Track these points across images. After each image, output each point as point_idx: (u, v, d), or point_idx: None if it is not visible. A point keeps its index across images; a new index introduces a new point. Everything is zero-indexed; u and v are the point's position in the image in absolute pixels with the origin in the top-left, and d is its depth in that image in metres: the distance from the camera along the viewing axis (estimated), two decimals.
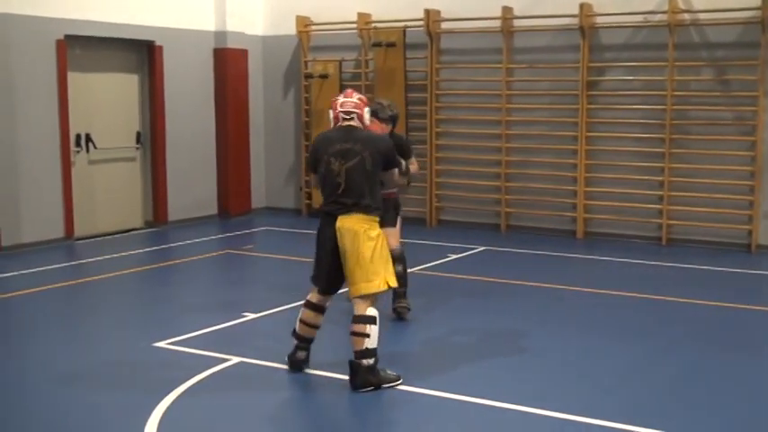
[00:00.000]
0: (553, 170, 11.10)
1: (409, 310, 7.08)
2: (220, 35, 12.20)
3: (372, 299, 5.53)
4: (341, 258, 5.53)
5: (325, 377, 5.72)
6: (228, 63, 12.20)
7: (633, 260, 9.61)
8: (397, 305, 7.02)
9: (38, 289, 8.19)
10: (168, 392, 5.36)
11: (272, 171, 13.04)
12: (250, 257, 9.98)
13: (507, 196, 11.33)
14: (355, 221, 5.49)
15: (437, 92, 11.64)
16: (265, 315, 7.22)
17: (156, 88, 11.42)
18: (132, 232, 11.30)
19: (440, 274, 8.88)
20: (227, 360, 6.01)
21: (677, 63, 10.19)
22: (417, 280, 8.01)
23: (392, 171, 5.83)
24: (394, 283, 5.62)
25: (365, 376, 5.44)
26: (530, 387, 5.61)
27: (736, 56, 10.02)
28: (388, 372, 5.56)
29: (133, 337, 6.67)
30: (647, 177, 10.55)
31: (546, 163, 11.14)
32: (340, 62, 12.10)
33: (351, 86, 11.76)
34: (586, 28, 10.51)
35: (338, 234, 5.50)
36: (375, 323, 5.48)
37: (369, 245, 5.47)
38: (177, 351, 6.29)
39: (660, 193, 10.44)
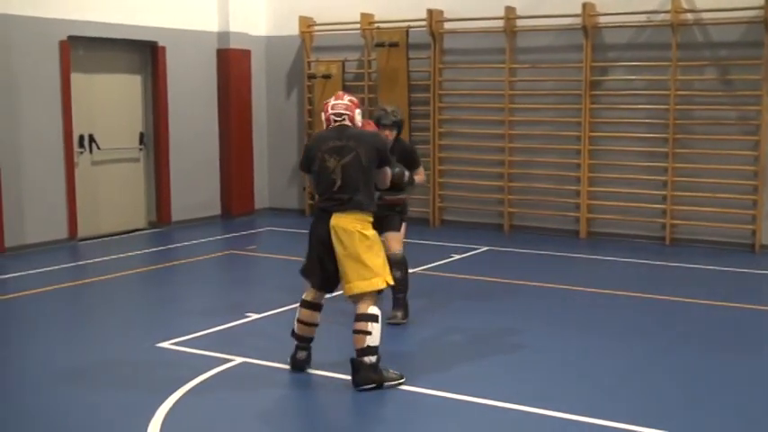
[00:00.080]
0: (556, 170, 11.09)
1: (403, 321, 6.96)
2: (223, 36, 12.21)
3: (374, 297, 5.54)
4: (335, 258, 5.54)
5: (327, 377, 5.72)
6: (231, 63, 12.21)
7: (637, 260, 9.60)
8: (390, 319, 6.82)
9: (41, 289, 8.21)
10: (171, 392, 5.37)
11: (275, 171, 13.04)
12: (253, 258, 9.99)
13: (510, 196, 11.33)
14: (350, 221, 5.50)
15: (440, 92, 11.64)
16: (268, 315, 7.23)
17: (159, 89, 11.43)
18: (135, 233, 11.32)
19: (443, 274, 8.88)
20: (229, 360, 6.01)
21: (680, 63, 10.18)
22: (420, 280, 8.02)
23: (385, 170, 5.83)
24: (390, 281, 5.63)
25: (367, 374, 5.45)
26: (532, 387, 5.61)
27: (739, 55, 10.01)
28: (391, 371, 5.56)
29: (136, 338, 6.68)
30: (650, 177, 10.53)
31: (549, 163, 11.13)
32: (343, 62, 12.11)
33: (354, 87, 11.91)
34: (589, 28, 10.50)
35: (332, 233, 5.51)
36: (377, 321, 5.49)
37: (364, 244, 5.49)
38: (180, 351, 6.30)
39: (663, 192, 10.43)
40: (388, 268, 5.63)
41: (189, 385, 5.52)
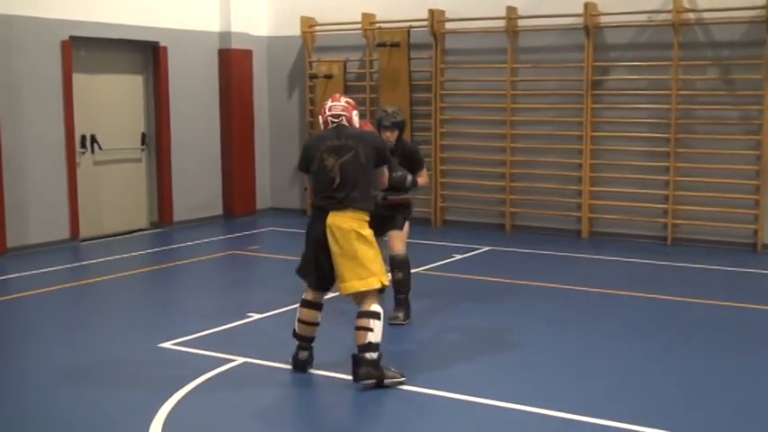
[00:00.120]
0: (558, 170, 11.09)
1: (404, 322, 6.96)
2: (225, 36, 12.21)
3: (376, 295, 5.56)
4: (331, 256, 5.55)
5: (329, 377, 5.72)
6: (233, 64, 12.21)
7: (639, 260, 9.60)
8: (391, 320, 6.83)
9: (43, 290, 8.21)
10: (173, 392, 5.37)
11: (276, 172, 13.05)
12: (255, 258, 9.99)
13: (512, 196, 11.33)
14: (346, 219, 5.51)
15: (441, 92, 11.64)
16: (270, 315, 7.23)
17: (160, 89, 11.44)
18: (137, 233, 11.33)
19: (444, 274, 8.88)
20: (231, 360, 6.02)
21: (682, 62, 10.18)
22: (422, 280, 8.01)
23: (383, 171, 5.84)
24: (385, 282, 5.63)
25: (367, 369, 5.46)
26: (534, 387, 5.61)
27: (740, 55, 10.00)
28: (392, 369, 5.57)
29: (138, 338, 6.69)
30: (652, 177, 10.53)
31: (551, 163, 11.13)
32: (344, 62, 12.11)
33: (355, 87, 11.92)
34: (591, 27, 10.50)
35: (328, 232, 5.52)
36: (379, 318, 5.52)
37: (360, 243, 5.50)
38: (182, 351, 6.31)
39: (665, 192, 10.43)
40: (383, 268, 5.64)
41: (191, 385, 5.53)
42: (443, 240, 10.64)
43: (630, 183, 10.63)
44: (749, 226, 10.07)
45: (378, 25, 11.86)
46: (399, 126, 6.88)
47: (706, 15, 10.07)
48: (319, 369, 5.81)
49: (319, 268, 5.64)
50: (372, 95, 11.94)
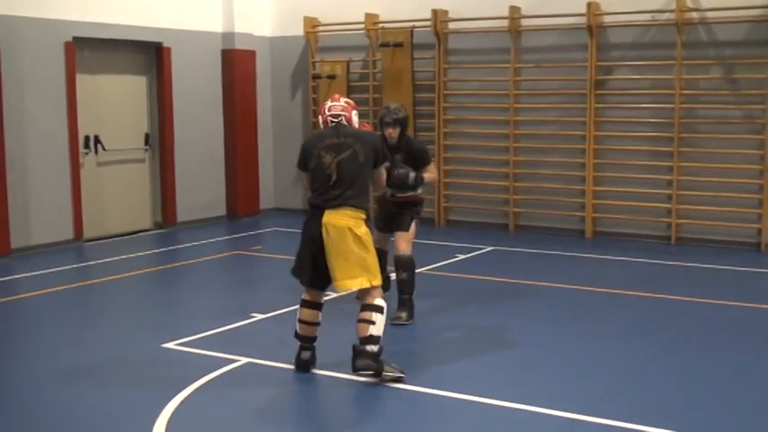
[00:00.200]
0: (561, 170, 11.08)
1: (407, 323, 6.94)
2: (228, 36, 12.22)
3: (380, 290, 5.63)
4: (325, 254, 5.56)
5: (332, 377, 5.73)
6: (236, 64, 12.22)
7: (642, 259, 9.59)
8: (394, 320, 6.82)
9: (47, 290, 8.22)
10: (177, 392, 5.38)
11: (280, 172, 13.05)
12: (258, 258, 9.99)
13: (516, 196, 11.32)
14: (341, 217, 5.54)
15: (445, 92, 11.64)
16: (273, 316, 7.23)
17: (164, 90, 11.45)
18: (141, 234, 11.34)
19: (448, 274, 8.88)
20: (235, 361, 6.02)
21: (685, 62, 10.17)
22: (425, 280, 8.01)
23: (380, 171, 5.86)
24: (378, 282, 5.64)
25: (367, 360, 5.51)
26: (538, 387, 5.61)
27: (744, 54, 9.99)
28: (393, 365, 5.59)
29: (142, 338, 6.69)
30: (655, 176, 10.52)
31: (554, 162, 11.13)
32: (347, 63, 12.11)
33: (358, 87, 11.92)
34: (594, 27, 10.49)
35: (324, 230, 5.54)
36: (382, 312, 5.57)
37: (354, 241, 5.52)
38: (186, 351, 6.31)
39: (669, 192, 10.42)
40: (376, 267, 5.66)
41: (194, 385, 5.53)
42: (447, 240, 10.63)
43: (634, 182, 10.62)
44: (753, 225, 10.06)
45: (381, 25, 11.87)
46: (401, 122, 6.88)
47: (709, 15, 10.06)
48: (322, 369, 5.81)
49: (315, 266, 5.65)
50: (375, 96, 11.94)
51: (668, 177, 10.42)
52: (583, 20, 10.53)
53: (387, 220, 7.17)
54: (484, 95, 11.57)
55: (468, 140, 11.67)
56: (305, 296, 5.82)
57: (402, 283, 6.97)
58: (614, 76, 10.71)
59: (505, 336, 6.72)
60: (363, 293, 5.61)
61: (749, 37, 9.92)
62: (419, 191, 7.07)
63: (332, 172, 5.58)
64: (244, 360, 6.04)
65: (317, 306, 5.81)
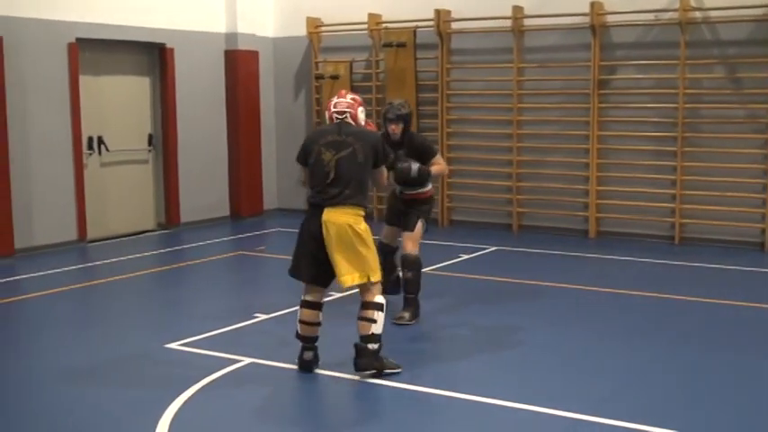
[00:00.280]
0: (565, 169, 11.07)
1: (410, 322, 6.93)
2: (231, 37, 12.23)
3: (380, 287, 5.66)
4: (326, 251, 5.57)
5: (335, 377, 5.73)
6: (239, 65, 12.23)
7: (646, 259, 9.58)
8: (397, 319, 6.84)
9: (50, 291, 8.23)
10: (180, 393, 5.38)
11: (283, 172, 13.05)
12: (262, 259, 10.00)
13: (519, 196, 11.32)
14: (341, 214, 5.55)
15: (448, 92, 11.63)
16: (276, 316, 7.23)
17: (167, 90, 11.45)
18: (144, 234, 11.35)
19: (451, 274, 8.87)
20: (238, 361, 6.02)
21: (689, 61, 10.15)
22: (429, 280, 7.99)
23: (381, 171, 5.86)
24: (377, 278, 5.65)
25: (369, 360, 5.57)
26: (541, 387, 5.60)
27: (747, 53, 9.97)
28: (390, 359, 5.68)
29: (145, 338, 6.70)
30: (659, 176, 10.50)
31: (558, 162, 11.12)
32: (351, 63, 12.12)
33: (362, 87, 11.91)
34: (597, 26, 10.48)
35: (324, 228, 5.56)
36: (382, 310, 5.61)
37: (353, 238, 5.54)
38: (189, 352, 6.31)
39: (672, 191, 10.40)
40: (377, 263, 5.70)
41: (197, 385, 5.54)
42: (450, 240, 10.62)
43: (637, 182, 10.61)
44: (756, 225, 10.03)
45: (384, 25, 11.86)
46: (404, 119, 6.88)
47: (713, 14, 10.04)
48: (324, 369, 5.81)
49: (316, 262, 5.66)
50: (379, 96, 11.94)
51: (672, 177, 10.41)
52: (586, 19, 10.52)
53: (395, 217, 7.18)
54: (487, 95, 11.56)
55: (471, 140, 11.67)
56: (305, 296, 5.83)
57: (407, 283, 6.98)
58: (617, 76, 10.70)
59: (508, 336, 6.71)
60: (363, 290, 5.62)
61: (753, 36, 9.90)
62: (429, 186, 7.07)
63: (330, 170, 5.60)
64: (247, 360, 6.04)
65: (317, 306, 5.81)
